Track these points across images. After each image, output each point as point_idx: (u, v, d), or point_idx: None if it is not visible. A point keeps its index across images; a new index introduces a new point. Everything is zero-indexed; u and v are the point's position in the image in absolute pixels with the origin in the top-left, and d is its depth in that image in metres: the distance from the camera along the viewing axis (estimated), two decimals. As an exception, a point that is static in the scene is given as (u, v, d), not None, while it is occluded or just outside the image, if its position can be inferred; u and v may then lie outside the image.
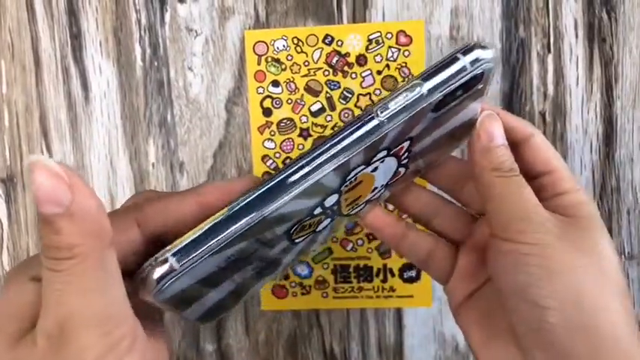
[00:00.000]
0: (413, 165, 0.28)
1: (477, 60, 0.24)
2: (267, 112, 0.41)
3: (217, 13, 0.40)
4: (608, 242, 0.27)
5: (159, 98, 0.41)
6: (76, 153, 0.42)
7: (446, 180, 0.31)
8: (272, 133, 0.41)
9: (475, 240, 0.30)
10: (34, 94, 0.42)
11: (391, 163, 0.27)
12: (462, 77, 0.24)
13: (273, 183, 0.23)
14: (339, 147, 0.23)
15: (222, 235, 0.22)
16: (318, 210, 0.25)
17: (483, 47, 0.24)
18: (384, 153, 0.25)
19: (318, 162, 0.23)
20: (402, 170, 0.28)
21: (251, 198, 0.23)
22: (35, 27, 0.41)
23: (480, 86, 0.25)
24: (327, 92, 0.40)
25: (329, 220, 0.27)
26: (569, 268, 0.25)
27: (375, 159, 0.25)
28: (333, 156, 0.23)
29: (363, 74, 0.40)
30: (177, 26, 0.41)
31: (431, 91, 0.23)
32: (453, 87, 0.24)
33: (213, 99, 0.41)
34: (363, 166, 0.25)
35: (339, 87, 0.40)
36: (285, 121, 0.41)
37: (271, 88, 0.41)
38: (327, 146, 0.23)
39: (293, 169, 0.23)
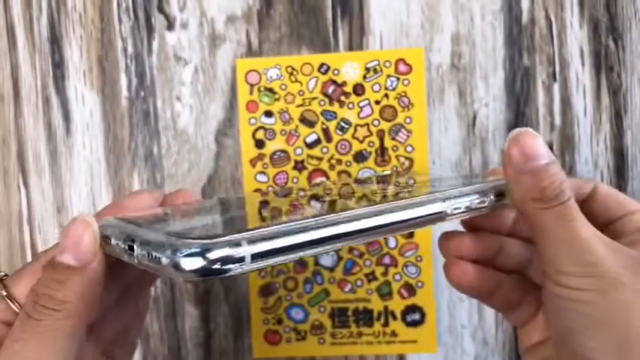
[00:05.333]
0: None
1: None
2: (259, 144, 0.38)
3: (207, 41, 0.39)
4: None
5: (145, 129, 0.39)
6: (55, 189, 0.39)
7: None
8: (265, 165, 0.38)
9: None
10: (12, 126, 0.39)
11: None
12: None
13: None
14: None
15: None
16: None
17: None
18: None
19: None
20: None
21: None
22: (15, 55, 0.39)
23: None
24: (323, 123, 0.38)
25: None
26: (627, 316, 0.22)
27: None
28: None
29: (361, 104, 0.38)
30: (165, 55, 0.39)
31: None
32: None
33: (203, 130, 0.39)
34: None
35: (336, 117, 0.38)
36: (278, 153, 0.38)
37: (264, 119, 0.38)
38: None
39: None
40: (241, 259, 0.18)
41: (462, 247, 0.26)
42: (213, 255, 0.18)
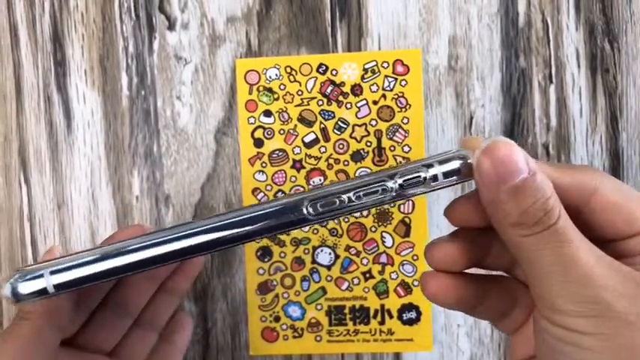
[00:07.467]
0: None
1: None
2: (258, 143, 0.39)
3: (208, 41, 0.39)
4: None
5: (145, 128, 0.39)
6: (55, 185, 0.40)
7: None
8: (263, 164, 0.39)
9: None
10: (13, 123, 0.40)
11: None
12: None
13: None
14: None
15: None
16: None
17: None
18: None
19: None
20: None
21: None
22: (18, 53, 0.40)
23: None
24: (321, 122, 0.39)
25: None
26: None
27: None
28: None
29: (359, 104, 0.38)
30: (165, 54, 0.39)
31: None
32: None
33: (202, 129, 0.39)
34: None
35: (334, 117, 0.39)
36: (277, 152, 0.39)
37: (263, 118, 0.39)
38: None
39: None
40: (43, 288, 0.22)
41: (450, 259, 0.23)
42: (21, 286, 0.22)
